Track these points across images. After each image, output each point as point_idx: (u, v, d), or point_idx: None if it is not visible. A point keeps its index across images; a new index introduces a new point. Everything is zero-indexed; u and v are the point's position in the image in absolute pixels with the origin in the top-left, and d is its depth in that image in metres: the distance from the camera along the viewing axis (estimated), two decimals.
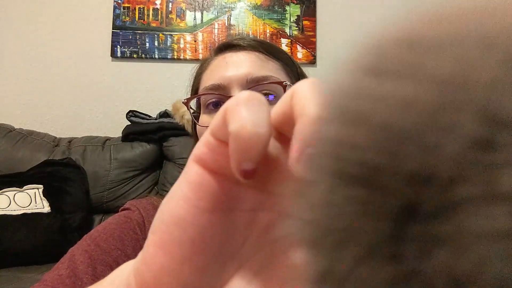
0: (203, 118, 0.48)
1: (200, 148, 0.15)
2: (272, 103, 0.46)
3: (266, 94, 0.46)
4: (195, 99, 0.52)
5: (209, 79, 0.49)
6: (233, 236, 0.16)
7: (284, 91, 0.46)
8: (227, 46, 0.51)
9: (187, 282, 0.15)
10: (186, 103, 0.50)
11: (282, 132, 0.15)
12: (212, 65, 0.50)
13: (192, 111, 0.51)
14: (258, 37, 0.48)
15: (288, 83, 0.47)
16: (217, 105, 0.47)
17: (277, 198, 0.16)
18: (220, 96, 0.46)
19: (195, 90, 0.53)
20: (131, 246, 0.42)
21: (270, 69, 0.48)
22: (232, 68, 0.47)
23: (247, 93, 0.14)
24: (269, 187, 0.16)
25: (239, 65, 0.47)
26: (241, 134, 0.13)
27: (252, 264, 0.16)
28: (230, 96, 0.44)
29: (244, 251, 0.16)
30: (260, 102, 0.14)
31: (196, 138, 0.53)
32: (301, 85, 0.14)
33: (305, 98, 0.13)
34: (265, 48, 0.50)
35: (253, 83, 0.46)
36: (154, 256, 0.15)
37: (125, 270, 0.18)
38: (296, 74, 0.51)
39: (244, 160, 0.13)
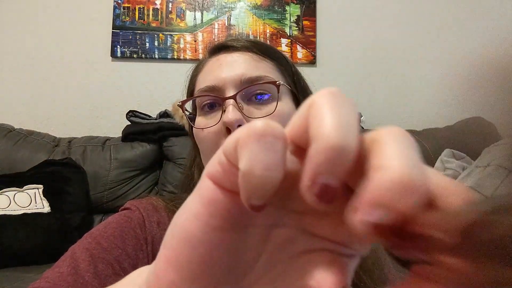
0: (199, 120, 0.48)
1: (213, 165, 0.15)
2: (266, 102, 0.46)
3: (260, 94, 0.46)
4: (191, 101, 0.52)
5: (204, 80, 0.49)
6: (245, 253, 0.15)
7: (278, 90, 0.46)
8: (221, 48, 0.51)
9: None
10: (181, 105, 0.50)
11: (300, 145, 0.14)
12: (206, 67, 0.50)
13: (188, 113, 0.51)
14: (252, 38, 0.48)
15: (282, 82, 0.47)
16: (212, 106, 0.47)
17: (294, 213, 0.15)
18: (215, 98, 0.46)
19: (190, 92, 0.53)
20: (131, 245, 0.42)
21: (264, 69, 0.48)
22: (226, 69, 0.47)
23: (261, 125, 0.13)
24: (286, 203, 0.15)
25: (233, 66, 0.47)
26: (250, 176, 0.12)
27: (265, 281, 0.16)
28: (225, 98, 0.45)
29: (258, 268, 0.16)
30: (275, 137, 0.13)
31: (193, 140, 0.53)
32: (319, 96, 0.13)
33: (321, 114, 0.13)
34: (259, 48, 0.50)
35: (247, 84, 0.46)
36: (164, 272, 0.15)
37: (142, 275, 0.18)
38: (290, 72, 0.51)
39: (252, 198, 0.13)
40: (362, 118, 1.71)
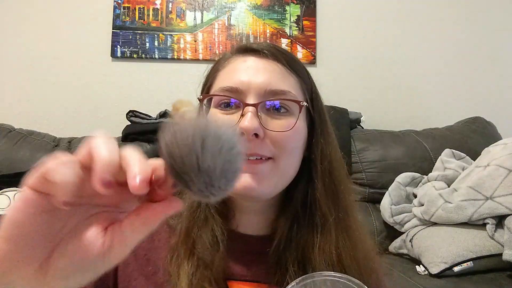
0: (214, 111, 0.48)
1: (32, 179, 0.24)
2: (285, 115, 0.46)
3: (280, 108, 0.46)
4: (206, 92, 0.52)
5: (227, 79, 0.48)
6: (57, 221, 0.26)
7: (300, 110, 0.46)
8: (250, 50, 0.50)
9: (15, 257, 0.25)
10: (202, 99, 0.50)
11: (86, 165, 0.25)
12: (232, 65, 0.50)
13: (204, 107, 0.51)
14: (279, 46, 0.49)
15: (305, 104, 0.47)
16: (229, 105, 0.47)
17: (88, 202, 0.27)
18: (236, 101, 0.46)
19: (208, 86, 0.52)
20: None
21: (289, 84, 0.48)
22: (252, 74, 0.47)
23: (58, 160, 0.24)
24: (84, 198, 0.26)
25: (260, 73, 0.47)
26: (55, 183, 0.23)
27: (64, 240, 0.26)
28: (247, 104, 0.45)
29: (67, 227, 0.26)
30: (68, 162, 0.24)
31: None
32: (94, 140, 0.25)
33: (97, 148, 0.24)
34: (287, 60, 0.49)
35: (271, 95, 0.46)
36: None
37: None
38: (310, 91, 0.51)
39: (59, 196, 0.23)
40: (362, 118, 1.71)
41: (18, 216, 0.25)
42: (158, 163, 0.25)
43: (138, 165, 0.23)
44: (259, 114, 0.44)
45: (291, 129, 0.45)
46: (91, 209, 0.27)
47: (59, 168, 0.23)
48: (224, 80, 0.48)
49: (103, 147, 0.24)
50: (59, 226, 0.26)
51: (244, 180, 0.43)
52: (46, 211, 0.25)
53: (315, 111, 0.50)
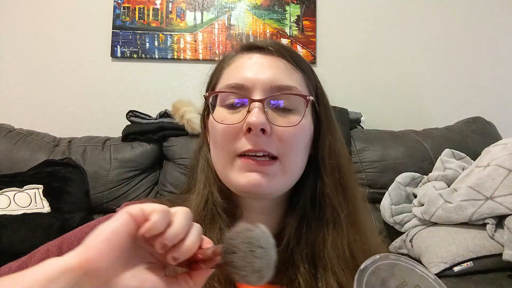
0: (220, 111, 0.47)
1: (135, 211, 0.29)
2: (291, 112, 0.46)
3: (284, 106, 0.46)
4: (211, 90, 0.52)
5: (233, 76, 0.48)
6: (130, 252, 0.29)
7: (306, 105, 0.46)
8: (255, 47, 0.50)
9: (112, 263, 0.27)
10: (207, 96, 0.50)
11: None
12: (237, 62, 0.50)
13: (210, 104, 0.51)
14: (284, 44, 0.49)
15: (311, 98, 0.47)
16: (232, 106, 0.47)
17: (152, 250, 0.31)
18: (242, 97, 0.46)
19: (213, 84, 0.52)
20: None
21: (295, 80, 0.48)
22: (258, 71, 0.47)
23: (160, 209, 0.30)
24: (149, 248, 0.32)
25: (265, 69, 0.47)
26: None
27: (129, 276, 0.29)
28: (253, 99, 0.44)
29: (131, 263, 0.30)
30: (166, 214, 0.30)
31: (204, 128, 0.53)
32: (175, 211, 0.32)
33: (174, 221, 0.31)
34: (292, 56, 0.49)
35: (277, 91, 0.46)
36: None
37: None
38: (315, 87, 0.51)
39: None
40: (362, 118, 1.71)
41: (114, 236, 0.28)
42: (207, 242, 0.32)
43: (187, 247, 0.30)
44: (265, 110, 0.44)
45: (297, 125, 0.45)
46: (147, 256, 0.31)
47: (158, 214, 0.29)
48: (230, 77, 0.48)
49: (192, 234, 0.31)
50: (127, 258, 0.29)
51: (253, 178, 0.44)
52: (131, 240, 0.29)
53: (321, 107, 0.50)
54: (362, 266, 0.33)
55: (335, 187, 0.49)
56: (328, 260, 0.45)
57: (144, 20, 1.81)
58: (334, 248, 0.46)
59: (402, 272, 0.34)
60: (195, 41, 1.82)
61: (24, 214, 1.19)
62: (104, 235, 0.27)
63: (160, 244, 0.28)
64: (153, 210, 0.29)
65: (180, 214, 0.30)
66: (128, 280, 0.28)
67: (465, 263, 1.08)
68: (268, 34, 1.85)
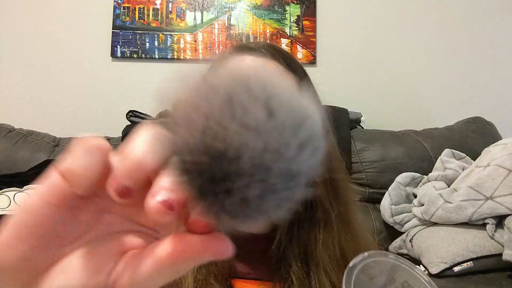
0: None
1: (65, 165, 0.19)
2: None
3: None
4: None
5: None
6: (74, 227, 0.20)
7: None
8: (248, 48, 0.51)
9: (26, 256, 0.19)
10: None
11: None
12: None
13: None
14: (277, 46, 0.49)
15: None
16: None
17: (119, 205, 0.19)
18: None
19: None
20: None
21: None
22: None
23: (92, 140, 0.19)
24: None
25: None
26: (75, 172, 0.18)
27: (84, 248, 0.20)
28: None
29: (83, 239, 0.20)
30: (97, 148, 0.19)
31: None
32: (135, 136, 0.20)
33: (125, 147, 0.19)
34: (284, 59, 0.50)
35: None
36: (9, 234, 0.19)
37: None
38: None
39: (77, 188, 0.19)
40: (362, 118, 1.71)
41: (38, 204, 0.19)
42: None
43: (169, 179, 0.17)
44: None
45: None
46: (125, 223, 0.21)
47: (81, 155, 0.18)
48: None
49: (141, 145, 0.18)
50: (78, 231, 0.20)
51: None
52: (70, 207, 0.19)
53: None
54: (351, 264, 0.33)
55: (326, 189, 0.49)
56: (320, 259, 0.46)
57: (144, 20, 1.81)
58: (325, 248, 0.46)
59: (391, 269, 0.34)
60: (195, 41, 1.82)
61: None
62: (12, 220, 0.19)
63: (113, 187, 0.18)
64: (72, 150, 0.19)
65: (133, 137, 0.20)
66: (59, 275, 0.19)
67: (465, 263, 1.08)
68: (268, 34, 1.85)
